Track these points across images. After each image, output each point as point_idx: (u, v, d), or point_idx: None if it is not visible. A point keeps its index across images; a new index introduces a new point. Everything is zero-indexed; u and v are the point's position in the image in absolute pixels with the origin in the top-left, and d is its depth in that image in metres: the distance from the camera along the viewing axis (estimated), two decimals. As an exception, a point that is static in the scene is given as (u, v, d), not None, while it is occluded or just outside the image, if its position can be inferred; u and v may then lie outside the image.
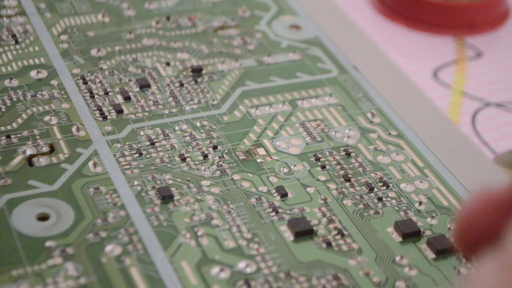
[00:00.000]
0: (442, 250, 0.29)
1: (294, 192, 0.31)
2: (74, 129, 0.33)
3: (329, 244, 0.29)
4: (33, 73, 0.35)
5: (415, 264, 0.29)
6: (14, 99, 0.34)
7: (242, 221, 0.30)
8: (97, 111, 0.34)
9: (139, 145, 0.32)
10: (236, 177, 0.32)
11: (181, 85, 0.36)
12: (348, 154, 0.33)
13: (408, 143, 0.34)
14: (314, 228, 0.30)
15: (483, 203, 0.18)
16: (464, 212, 0.19)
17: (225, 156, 0.32)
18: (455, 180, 0.33)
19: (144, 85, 0.35)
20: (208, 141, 0.33)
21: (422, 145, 0.34)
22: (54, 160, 0.31)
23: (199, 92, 0.36)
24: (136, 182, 0.31)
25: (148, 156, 0.32)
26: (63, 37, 0.38)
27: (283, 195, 0.31)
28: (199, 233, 0.29)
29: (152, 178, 0.31)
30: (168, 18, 0.40)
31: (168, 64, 0.37)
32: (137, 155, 0.32)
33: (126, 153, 0.32)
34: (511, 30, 0.47)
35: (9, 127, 0.33)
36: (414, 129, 0.35)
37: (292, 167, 0.32)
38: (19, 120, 0.33)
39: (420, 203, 0.31)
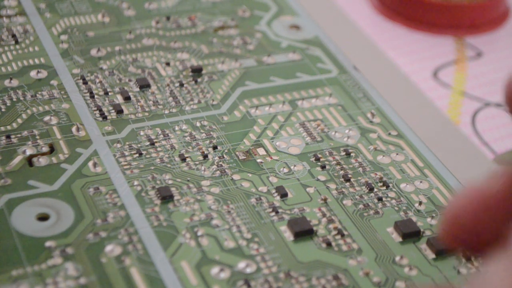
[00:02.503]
0: (442, 250, 0.29)
1: (294, 192, 0.31)
2: (74, 129, 0.33)
3: (329, 244, 0.29)
4: (33, 73, 0.35)
5: (415, 264, 0.29)
6: (14, 99, 0.34)
7: (242, 221, 0.30)
8: (97, 111, 0.34)
9: (139, 145, 0.32)
10: (236, 177, 0.32)
11: (181, 85, 0.36)
12: (348, 154, 0.33)
13: (408, 143, 0.34)
14: (314, 228, 0.30)
15: (474, 199, 0.18)
16: (452, 208, 0.19)
17: (225, 156, 0.32)
18: (455, 180, 0.33)
19: (144, 85, 0.35)
20: (208, 141, 0.33)
21: (422, 145, 0.34)
22: (54, 160, 0.31)
23: (199, 92, 0.36)
24: (136, 182, 0.31)
25: (148, 156, 0.32)
26: (63, 37, 0.38)
27: (283, 195, 0.31)
28: (199, 233, 0.29)
29: (152, 178, 0.31)
30: (168, 18, 0.40)
31: (168, 64, 0.37)
32: (137, 155, 0.32)
33: (126, 153, 0.32)
34: (511, 30, 0.47)
35: (9, 127, 0.33)
36: (414, 129, 0.35)
37: (292, 167, 0.32)
38: (19, 120, 0.33)
39: (420, 203, 0.31)
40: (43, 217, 0.29)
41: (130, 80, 0.36)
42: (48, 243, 0.28)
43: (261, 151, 0.33)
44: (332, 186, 0.32)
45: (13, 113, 0.33)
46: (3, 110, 0.33)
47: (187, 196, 0.30)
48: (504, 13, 0.48)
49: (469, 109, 0.41)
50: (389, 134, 0.35)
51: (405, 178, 0.32)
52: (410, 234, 0.30)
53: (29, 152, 0.31)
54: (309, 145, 0.34)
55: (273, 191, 0.31)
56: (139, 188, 0.31)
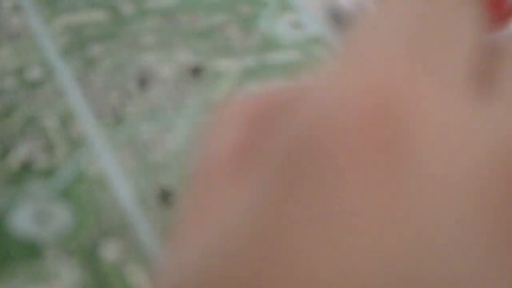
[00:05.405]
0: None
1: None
2: (74, 129, 0.33)
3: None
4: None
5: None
6: (14, 99, 0.34)
7: (242, 221, 0.30)
8: (97, 111, 0.34)
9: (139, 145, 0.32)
10: (236, 177, 0.32)
11: (181, 85, 0.36)
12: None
13: (409, 143, 0.34)
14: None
15: None
16: None
17: (225, 156, 0.32)
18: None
19: (144, 85, 0.36)
20: (208, 141, 0.33)
21: (423, 145, 0.34)
22: (54, 160, 0.31)
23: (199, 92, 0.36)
24: (136, 182, 0.31)
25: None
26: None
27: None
28: (200, 234, 0.29)
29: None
30: (168, 17, 0.40)
31: (168, 63, 0.37)
32: (138, 155, 0.32)
33: (127, 153, 0.32)
34: (512, 30, 0.47)
35: (8, 127, 0.33)
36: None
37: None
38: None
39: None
40: (43, 217, 0.29)
41: (130, 80, 0.36)
42: (48, 243, 0.28)
43: (261, 151, 0.33)
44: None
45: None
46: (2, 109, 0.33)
47: (188, 196, 0.30)
48: (506, 13, 0.48)
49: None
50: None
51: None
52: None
53: (29, 152, 0.32)
54: (310, 145, 0.34)
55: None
56: (139, 188, 0.31)
